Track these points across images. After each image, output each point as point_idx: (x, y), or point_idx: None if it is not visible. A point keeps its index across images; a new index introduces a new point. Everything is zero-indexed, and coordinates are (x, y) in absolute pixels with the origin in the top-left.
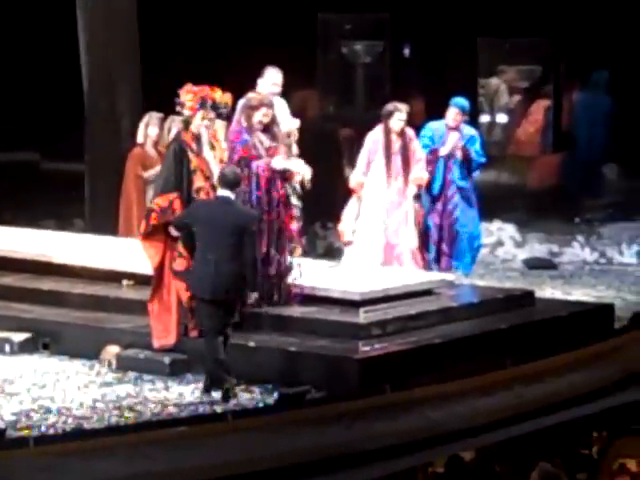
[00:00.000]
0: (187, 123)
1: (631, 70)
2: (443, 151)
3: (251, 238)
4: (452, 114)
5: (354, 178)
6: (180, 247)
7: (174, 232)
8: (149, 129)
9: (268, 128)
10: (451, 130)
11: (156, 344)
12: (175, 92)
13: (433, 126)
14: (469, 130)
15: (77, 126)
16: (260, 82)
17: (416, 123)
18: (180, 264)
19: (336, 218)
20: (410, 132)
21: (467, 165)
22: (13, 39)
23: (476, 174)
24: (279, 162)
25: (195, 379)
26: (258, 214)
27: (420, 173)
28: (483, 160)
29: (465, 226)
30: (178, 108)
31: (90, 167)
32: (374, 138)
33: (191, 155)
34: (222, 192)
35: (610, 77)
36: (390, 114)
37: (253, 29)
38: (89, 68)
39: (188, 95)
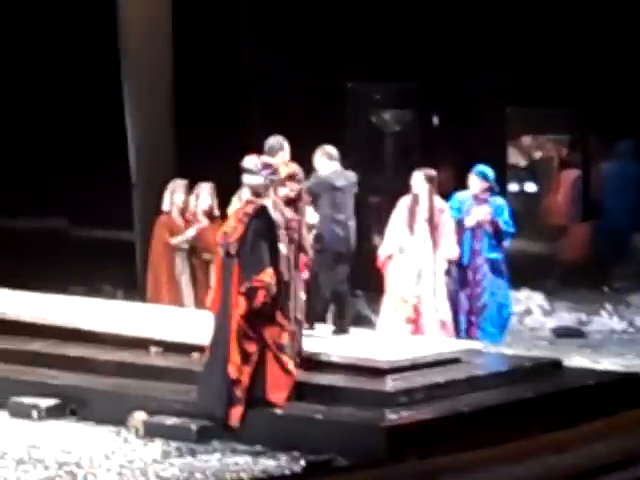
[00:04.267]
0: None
1: None
2: (468, 222)
3: None
4: (473, 182)
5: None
6: (282, 320)
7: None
8: (175, 196)
9: (293, 202)
10: (479, 201)
11: (271, 397)
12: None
13: (460, 196)
14: (497, 200)
15: (104, 193)
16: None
17: (444, 192)
18: (286, 338)
19: (363, 285)
20: (441, 204)
21: (497, 236)
22: (43, 107)
23: (506, 244)
24: None
25: (222, 446)
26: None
27: (450, 248)
28: (512, 230)
29: (494, 295)
30: (265, 173)
31: (141, 236)
32: (403, 203)
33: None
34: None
35: (637, 146)
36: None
37: (284, 96)
38: (136, 138)
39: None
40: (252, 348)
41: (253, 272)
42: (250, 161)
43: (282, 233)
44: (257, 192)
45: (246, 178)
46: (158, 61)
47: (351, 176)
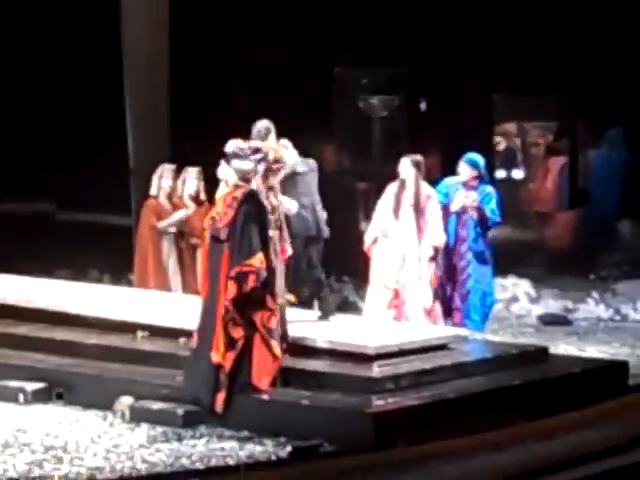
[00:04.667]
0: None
1: None
2: (453, 207)
3: None
4: (462, 169)
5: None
6: (271, 304)
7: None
8: (162, 181)
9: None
10: (467, 187)
11: (256, 382)
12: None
13: (449, 182)
14: (486, 189)
15: (92, 176)
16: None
17: (432, 178)
18: (275, 322)
19: (351, 271)
20: (428, 190)
21: (483, 224)
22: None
23: (491, 232)
24: None
25: (208, 432)
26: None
27: (436, 235)
28: (498, 220)
29: (478, 282)
30: (254, 158)
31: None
32: (390, 189)
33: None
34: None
35: (626, 134)
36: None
37: (271, 81)
38: (134, 122)
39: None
40: (238, 334)
41: (243, 257)
42: (236, 145)
43: (270, 218)
44: (246, 177)
45: (234, 163)
46: (156, 44)
47: (311, 162)
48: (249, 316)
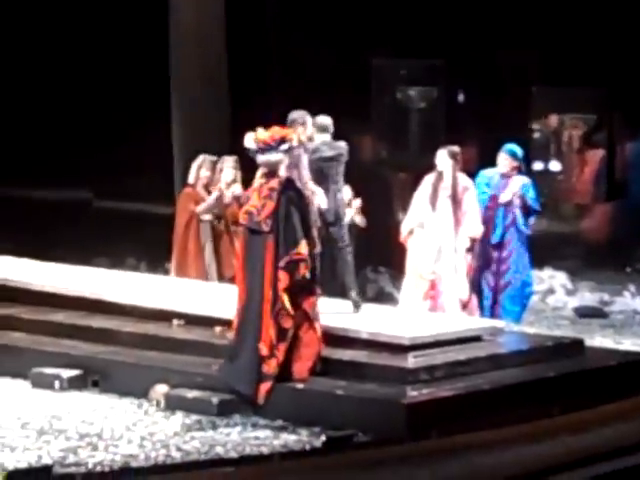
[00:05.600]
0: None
1: None
2: (503, 198)
3: None
4: (502, 160)
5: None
6: (316, 289)
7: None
8: (201, 171)
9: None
10: (506, 177)
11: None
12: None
13: (487, 173)
14: (523, 179)
15: (131, 164)
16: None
17: (469, 170)
18: (318, 307)
19: (387, 262)
20: (466, 181)
21: (525, 213)
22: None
23: (532, 221)
24: None
25: (242, 420)
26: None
27: (474, 226)
28: (539, 208)
29: (518, 272)
30: (282, 148)
31: None
32: (428, 180)
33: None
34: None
35: None
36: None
37: (310, 72)
38: (180, 110)
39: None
40: (288, 324)
41: (290, 246)
42: (258, 139)
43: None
44: (274, 169)
45: (262, 157)
46: (209, 18)
47: (341, 146)
48: (299, 304)
